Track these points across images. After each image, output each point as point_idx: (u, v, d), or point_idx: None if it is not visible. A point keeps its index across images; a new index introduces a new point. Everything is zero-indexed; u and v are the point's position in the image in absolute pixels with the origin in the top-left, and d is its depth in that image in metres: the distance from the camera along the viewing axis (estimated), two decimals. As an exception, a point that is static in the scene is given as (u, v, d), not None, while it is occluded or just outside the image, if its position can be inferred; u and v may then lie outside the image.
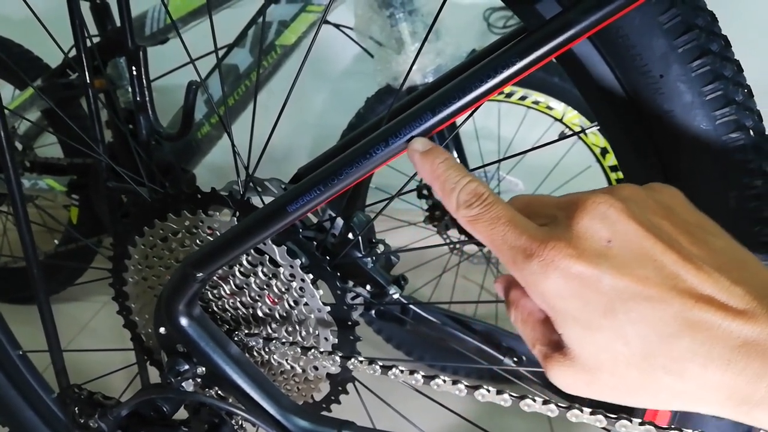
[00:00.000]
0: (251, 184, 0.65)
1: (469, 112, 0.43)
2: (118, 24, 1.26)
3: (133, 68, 0.65)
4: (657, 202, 0.33)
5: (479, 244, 1.38)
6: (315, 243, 0.59)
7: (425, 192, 1.39)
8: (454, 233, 1.41)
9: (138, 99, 0.65)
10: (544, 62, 0.40)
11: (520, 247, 0.31)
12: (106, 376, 0.94)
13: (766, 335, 0.27)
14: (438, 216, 1.37)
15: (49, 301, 0.73)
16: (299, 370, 0.63)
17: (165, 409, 0.58)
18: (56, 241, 1.60)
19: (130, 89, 1.26)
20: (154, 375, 0.90)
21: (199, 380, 0.60)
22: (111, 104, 1.15)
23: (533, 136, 1.27)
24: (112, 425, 0.60)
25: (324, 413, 0.60)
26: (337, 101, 1.64)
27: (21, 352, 0.87)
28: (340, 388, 0.64)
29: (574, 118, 1.19)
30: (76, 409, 0.69)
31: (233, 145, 0.61)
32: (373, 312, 0.71)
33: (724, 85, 0.42)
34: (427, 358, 1.30)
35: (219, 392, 0.62)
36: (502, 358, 0.68)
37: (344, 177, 0.45)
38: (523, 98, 1.21)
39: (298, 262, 0.58)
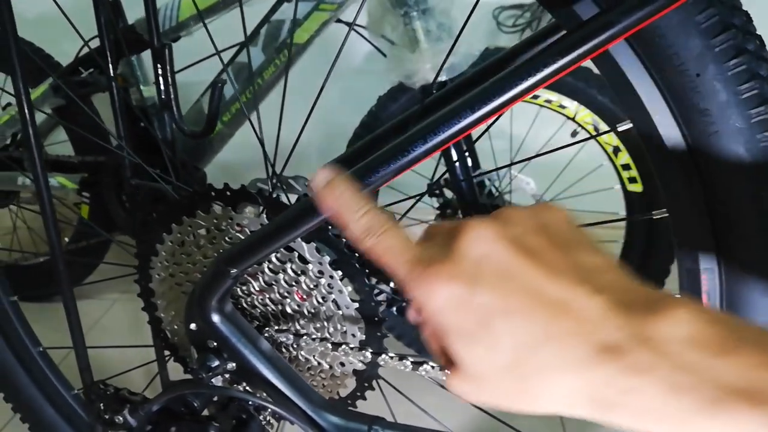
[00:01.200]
0: (277, 181, 0.65)
1: (506, 110, 0.44)
2: (129, 22, 1.27)
3: (158, 66, 0.65)
4: (535, 221, 0.34)
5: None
6: (344, 240, 0.60)
7: (437, 190, 1.40)
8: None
9: (163, 97, 0.65)
10: (582, 62, 0.41)
11: (407, 271, 0.34)
12: (121, 373, 0.95)
13: (621, 340, 0.29)
14: (449, 214, 1.38)
15: (75, 298, 0.74)
16: (326, 367, 0.64)
17: (195, 405, 0.59)
18: (66, 239, 1.60)
19: (142, 87, 1.27)
20: (173, 372, 0.91)
21: (227, 376, 0.60)
22: (129, 100, 1.15)
23: (545, 134, 1.28)
24: (143, 421, 0.60)
25: (352, 409, 0.61)
26: (349, 99, 1.64)
27: (42, 349, 0.87)
28: (366, 384, 0.65)
29: (586, 117, 1.20)
30: (102, 405, 0.69)
31: (263, 146, 0.61)
32: (394, 309, 0.72)
33: (760, 84, 0.42)
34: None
35: (247, 388, 0.62)
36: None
37: (380, 175, 0.46)
38: (535, 96, 1.21)
39: (327, 258, 0.58)
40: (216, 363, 0.58)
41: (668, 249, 1.20)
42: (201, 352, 0.58)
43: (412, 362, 0.55)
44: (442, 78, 1.16)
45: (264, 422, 0.64)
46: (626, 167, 1.21)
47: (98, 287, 1.66)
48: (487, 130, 1.06)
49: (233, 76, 1.31)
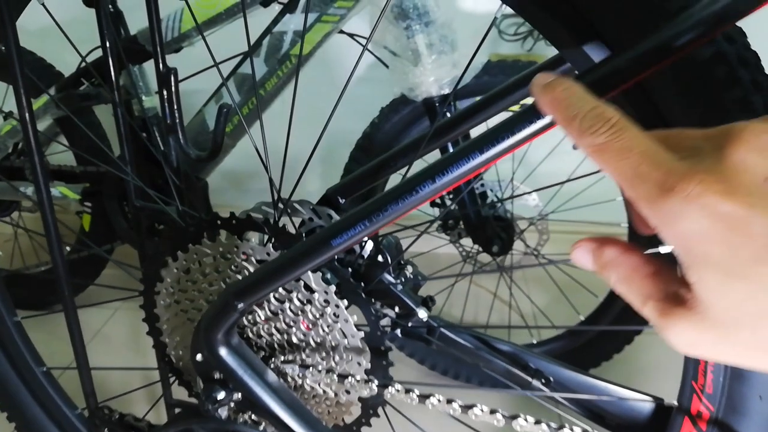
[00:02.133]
0: (282, 206, 0.65)
1: (515, 150, 0.44)
2: (131, 33, 1.27)
3: (164, 91, 0.65)
4: None
5: (493, 254, 1.39)
6: (350, 269, 0.60)
7: (438, 200, 1.40)
8: (467, 242, 1.42)
9: (169, 122, 0.65)
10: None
11: (657, 180, 0.27)
12: (125, 393, 0.94)
13: None
14: (451, 225, 1.38)
15: (79, 322, 0.73)
16: (331, 394, 0.64)
17: (201, 435, 0.59)
18: (68, 248, 1.60)
19: (144, 97, 1.27)
20: (177, 392, 0.91)
21: (233, 405, 0.60)
22: (131, 115, 1.14)
23: (549, 144, 1.27)
24: (149, 451, 0.60)
25: (359, 439, 0.61)
26: (350, 109, 1.64)
27: (45, 369, 0.87)
28: (371, 411, 0.65)
29: (589, 129, 1.19)
30: (107, 430, 0.69)
31: (268, 171, 0.61)
32: (399, 332, 0.72)
33: None
34: (451, 373, 1.30)
35: (253, 417, 0.62)
36: (530, 380, 0.68)
37: (389, 213, 0.46)
38: None
39: (332, 288, 0.58)
40: (222, 394, 0.58)
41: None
42: (207, 383, 0.58)
43: (418, 395, 0.55)
44: (444, 91, 1.16)
45: (269, 449, 0.64)
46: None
47: (100, 295, 1.66)
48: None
49: (236, 86, 1.31)
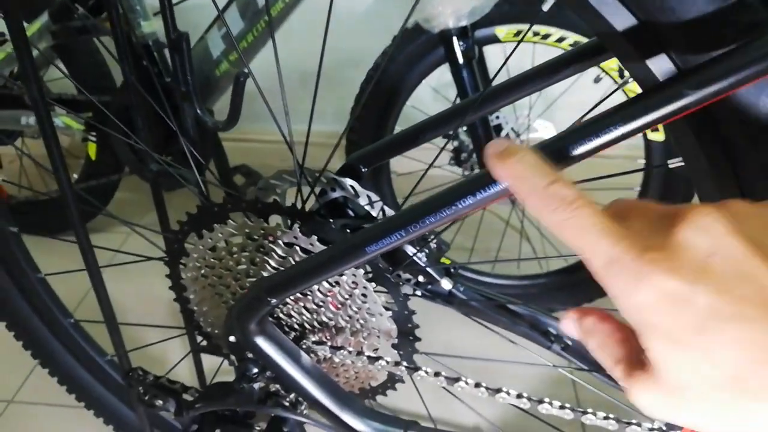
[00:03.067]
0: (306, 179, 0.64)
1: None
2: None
3: (176, 57, 0.61)
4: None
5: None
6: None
7: (450, 131, 1.37)
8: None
9: (183, 89, 0.62)
10: (649, 127, 0.38)
11: (612, 257, 0.30)
12: (153, 343, 0.97)
13: None
14: (464, 158, 1.36)
15: (100, 272, 0.73)
16: (360, 364, 0.66)
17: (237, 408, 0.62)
18: (75, 176, 1.59)
19: (143, 23, 1.20)
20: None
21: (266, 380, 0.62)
22: (132, 45, 1.08)
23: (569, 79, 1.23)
24: (188, 423, 0.63)
25: (390, 414, 0.63)
26: (366, 28, 1.55)
27: (72, 321, 0.89)
28: (397, 378, 0.67)
29: (611, 62, 1.14)
30: (141, 389, 0.72)
31: (293, 151, 0.59)
32: (419, 292, 0.73)
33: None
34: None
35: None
36: (549, 344, 0.70)
37: (426, 225, 0.45)
38: (560, 40, 1.15)
39: (361, 272, 0.58)
40: (255, 370, 0.60)
41: (685, 199, 1.20)
42: (241, 362, 0.60)
43: (446, 377, 0.57)
44: (463, 23, 1.10)
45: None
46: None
47: (111, 220, 1.68)
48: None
49: (239, 11, 1.24)
